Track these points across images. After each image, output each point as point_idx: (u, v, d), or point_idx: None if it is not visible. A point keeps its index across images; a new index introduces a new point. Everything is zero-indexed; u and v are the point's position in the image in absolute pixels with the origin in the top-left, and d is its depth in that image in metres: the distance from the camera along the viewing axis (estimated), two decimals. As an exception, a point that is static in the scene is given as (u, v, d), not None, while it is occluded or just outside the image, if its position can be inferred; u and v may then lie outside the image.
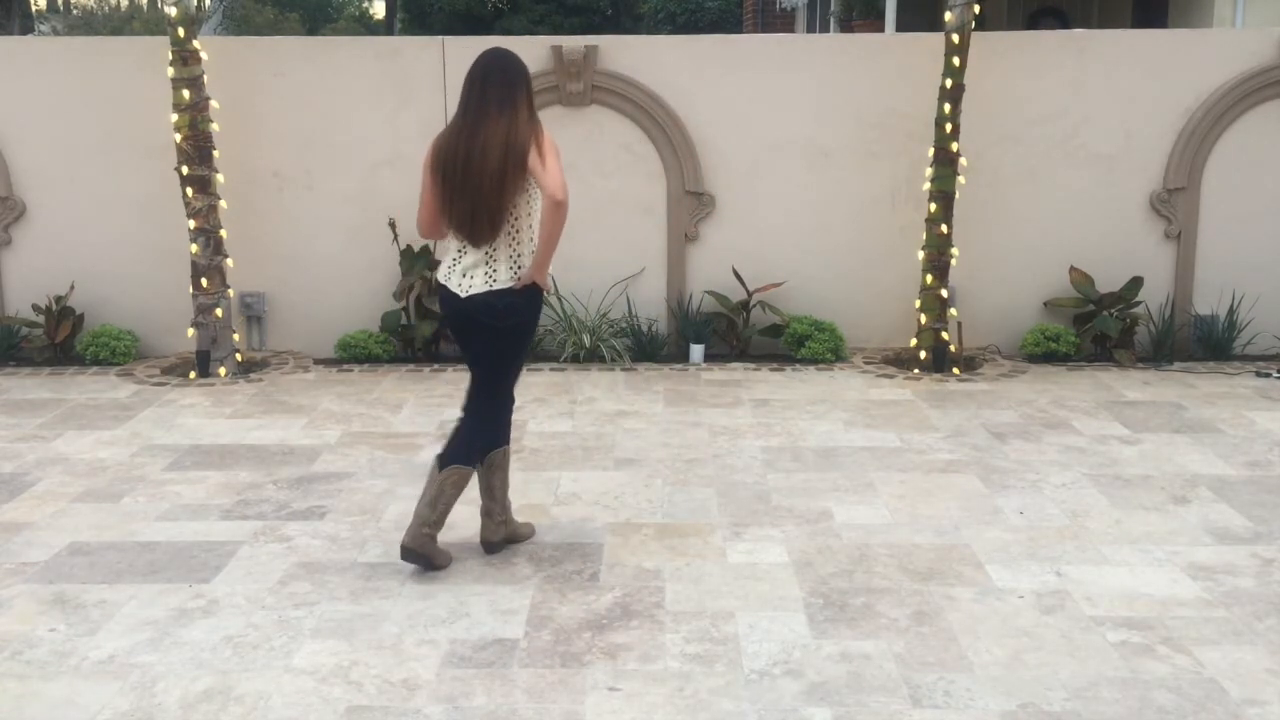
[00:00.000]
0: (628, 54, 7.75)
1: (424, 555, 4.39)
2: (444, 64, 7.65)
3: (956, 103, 7.28)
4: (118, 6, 35.37)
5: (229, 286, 7.50)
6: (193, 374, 7.33)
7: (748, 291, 7.73)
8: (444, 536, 4.51)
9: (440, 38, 7.82)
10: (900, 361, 7.64)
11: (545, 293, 4.50)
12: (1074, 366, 7.58)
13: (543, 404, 6.71)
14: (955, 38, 7.22)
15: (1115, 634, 3.96)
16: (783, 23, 20.17)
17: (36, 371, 7.47)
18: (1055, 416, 6.46)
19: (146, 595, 4.26)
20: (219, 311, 7.35)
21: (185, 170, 7.29)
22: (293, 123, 7.74)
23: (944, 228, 7.39)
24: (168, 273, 7.69)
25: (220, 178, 7.46)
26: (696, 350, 7.69)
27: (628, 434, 6.15)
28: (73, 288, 7.72)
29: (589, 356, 7.61)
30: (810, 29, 18.68)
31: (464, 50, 7.50)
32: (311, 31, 31.91)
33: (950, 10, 7.21)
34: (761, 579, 4.38)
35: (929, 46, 7.55)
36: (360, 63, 7.71)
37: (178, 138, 7.27)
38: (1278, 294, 7.87)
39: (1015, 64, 7.67)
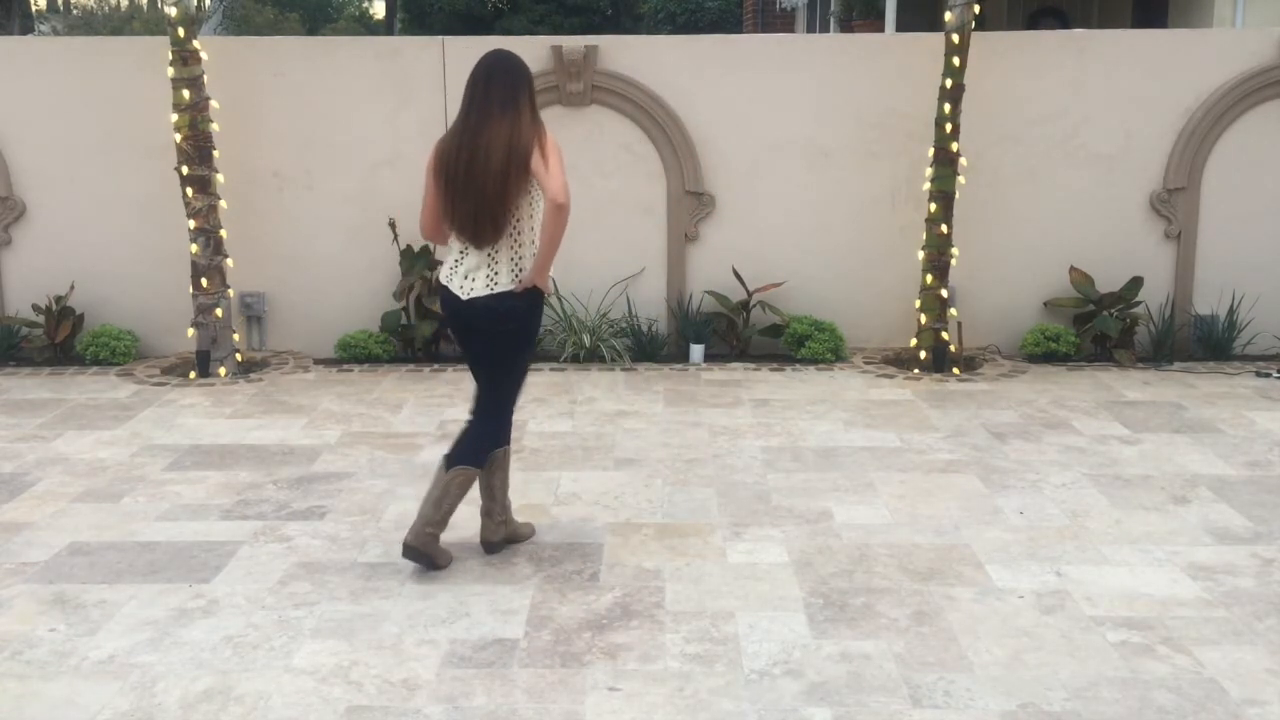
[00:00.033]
0: (628, 54, 7.75)
1: (426, 554, 4.39)
2: (444, 64, 7.65)
3: (956, 103, 7.28)
4: (118, 6, 35.37)
5: (229, 286, 7.50)
6: (193, 374, 7.33)
7: (748, 291, 7.73)
8: (444, 536, 4.51)
9: (440, 38, 7.82)
10: (900, 361, 7.64)
11: (546, 295, 4.50)
12: (1074, 366, 7.58)
13: (543, 404, 6.71)
14: (955, 38, 7.22)
15: (1115, 634, 3.96)
16: (783, 23, 20.17)
17: (36, 371, 7.47)
18: (1055, 416, 6.46)
19: (146, 595, 4.26)
20: (219, 311, 7.35)
21: (185, 170, 7.29)
22: (293, 123, 7.74)
23: (944, 228, 7.39)
24: (168, 273, 7.69)
25: (220, 178, 7.46)
26: (696, 350, 7.69)
27: (628, 434, 6.15)
28: (73, 288, 7.72)
29: (589, 356, 7.61)
30: (810, 29, 18.69)
31: (464, 50, 7.52)
32: (311, 31, 31.92)
33: (950, 10, 7.21)
34: (761, 579, 4.38)
35: (929, 46, 7.55)
36: (360, 63, 7.72)
37: (178, 138, 7.27)
38: (1278, 294, 7.88)
39: (1015, 64, 7.67)
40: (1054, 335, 7.64)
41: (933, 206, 7.41)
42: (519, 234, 4.34)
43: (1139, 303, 7.71)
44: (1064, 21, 13.17)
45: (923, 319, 7.47)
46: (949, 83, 7.27)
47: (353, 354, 7.66)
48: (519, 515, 4.85)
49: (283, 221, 7.84)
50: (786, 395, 6.90)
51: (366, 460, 5.75)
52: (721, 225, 7.85)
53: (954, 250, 7.46)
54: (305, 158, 7.78)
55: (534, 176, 4.25)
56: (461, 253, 4.40)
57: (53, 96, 7.69)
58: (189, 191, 7.30)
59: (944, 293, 7.45)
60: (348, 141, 7.76)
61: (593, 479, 5.47)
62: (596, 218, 7.68)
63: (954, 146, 7.32)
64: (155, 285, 7.80)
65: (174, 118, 7.28)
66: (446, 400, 6.76)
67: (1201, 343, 7.82)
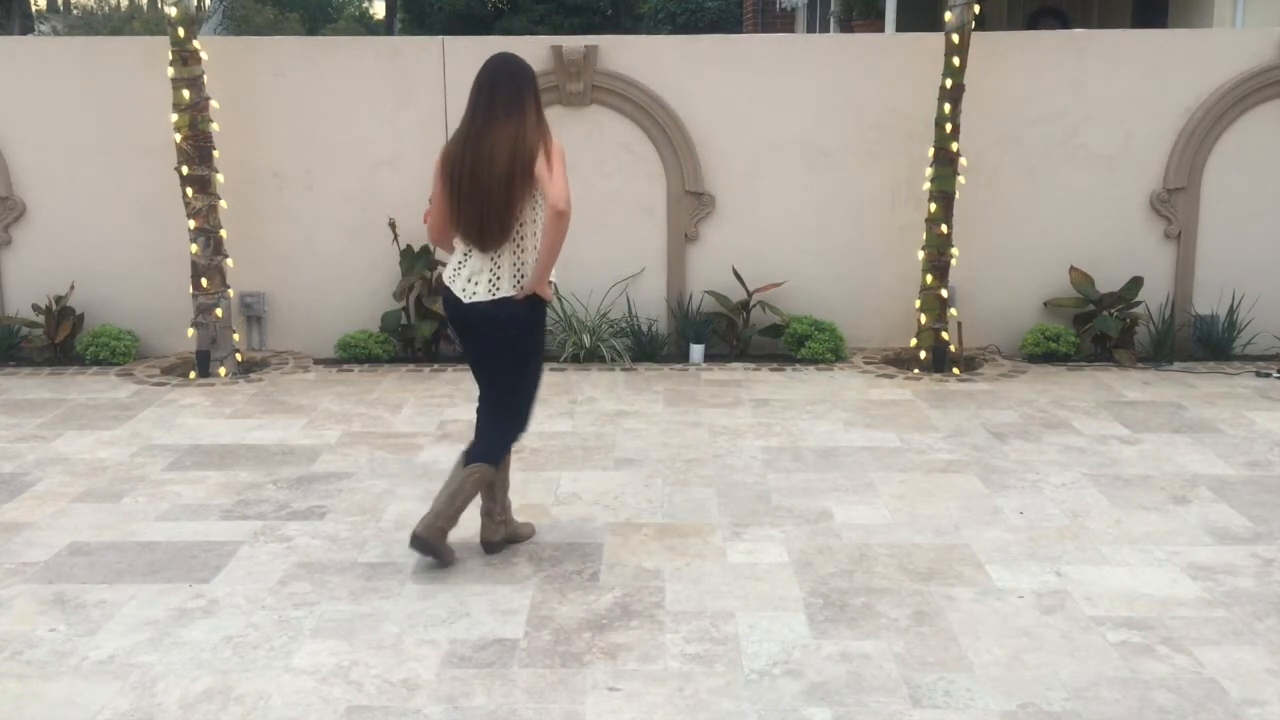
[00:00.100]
0: (628, 54, 7.75)
1: (434, 547, 4.39)
2: (444, 64, 7.65)
3: (956, 103, 7.28)
4: (118, 6, 35.37)
5: (229, 286, 7.50)
6: (193, 374, 7.33)
7: (748, 291, 7.73)
8: (444, 536, 4.52)
9: (440, 38, 7.82)
10: (900, 361, 7.64)
11: (549, 303, 4.49)
12: (1074, 366, 7.58)
13: (543, 404, 6.67)
14: (955, 38, 7.22)
15: (1115, 634, 3.96)
16: (783, 23, 20.17)
17: (36, 371, 7.47)
18: (1055, 416, 6.46)
19: (146, 595, 4.26)
20: (219, 311, 7.35)
21: (185, 170, 7.29)
22: (293, 123, 7.74)
23: (944, 228, 7.39)
24: (168, 273, 7.70)
25: (220, 178, 7.46)
26: (696, 350, 7.69)
27: (628, 434, 6.15)
28: (73, 288, 7.72)
29: (589, 356, 7.61)
30: (810, 29, 18.69)
31: (464, 50, 7.52)
32: (311, 31, 31.92)
33: (950, 10, 7.21)
34: (761, 579, 4.38)
35: (929, 46, 7.55)
36: (360, 63, 7.72)
37: (178, 138, 7.27)
38: (1278, 294, 7.88)
39: (1015, 64, 7.67)
40: (1054, 335, 7.64)
41: (933, 206, 7.41)
42: (522, 239, 4.34)
43: (1139, 303, 7.71)
44: (1064, 21, 13.18)
45: (923, 319, 7.47)
46: (949, 83, 7.27)
47: (353, 354, 7.66)
48: (519, 515, 4.85)
49: (283, 221, 7.84)
50: (786, 395, 6.90)
51: (366, 460, 5.75)
52: (721, 225, 7.85)
53: (954, 250, 7.46)
54: (305, 158, 7.78)
55: (537, 181, 4.24)
56: (465, 255, 4.40)
57: (53, 96, 7.69)
58: (189, 191, 7.30)
59: (944, 293, 7.45)
60: (348, 141, 7.76)
61: (593, 479, 5.47)
62: (597, 218, 7.68)
63: (954, 146, 7.32)
64: (155, 285, 7.80)
65: (174, 118, 7.28)
66: (446, 400, 6.76)
67: (1201, 343, 7.82)
